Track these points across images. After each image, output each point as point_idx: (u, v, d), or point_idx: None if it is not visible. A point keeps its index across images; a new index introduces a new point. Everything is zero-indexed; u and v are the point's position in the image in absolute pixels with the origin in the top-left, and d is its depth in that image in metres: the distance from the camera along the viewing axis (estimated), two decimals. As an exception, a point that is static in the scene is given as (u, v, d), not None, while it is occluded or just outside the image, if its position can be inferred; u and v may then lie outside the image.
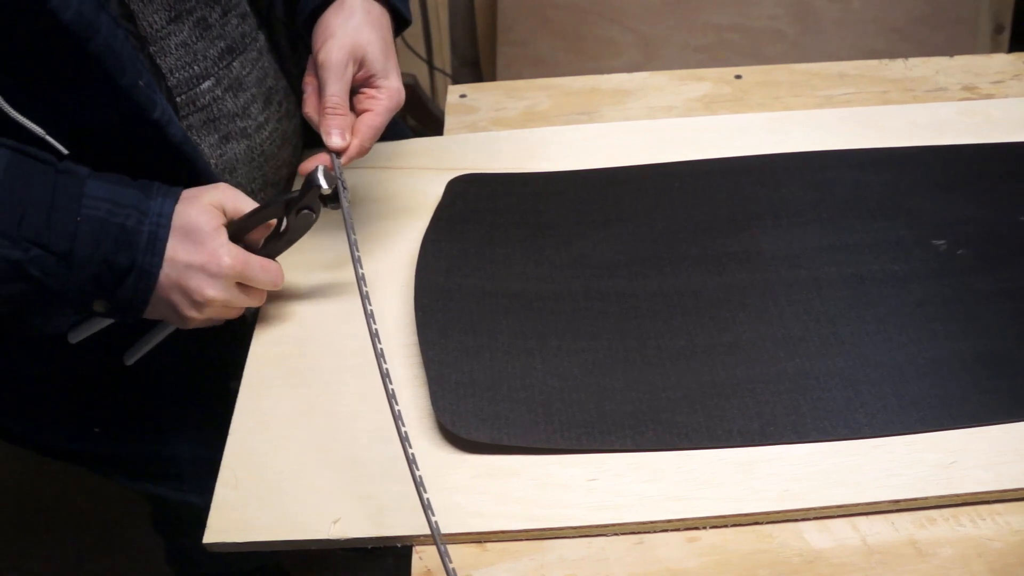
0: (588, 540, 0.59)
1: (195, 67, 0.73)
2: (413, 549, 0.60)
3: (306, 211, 0.70)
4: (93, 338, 0.75)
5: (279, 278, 0.72)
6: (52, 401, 0.85)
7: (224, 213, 0.68)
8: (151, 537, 1.15)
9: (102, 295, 0.65)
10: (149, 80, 0.65)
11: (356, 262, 0.65)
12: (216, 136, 0.75)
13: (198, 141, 0.74)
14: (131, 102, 0.64)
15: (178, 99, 0.72)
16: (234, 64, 0.76)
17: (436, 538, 0.54)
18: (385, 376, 0.60)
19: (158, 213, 0.65)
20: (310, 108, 0.73)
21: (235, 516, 0.61)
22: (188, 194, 0.67)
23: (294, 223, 0.71)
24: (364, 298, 0.63)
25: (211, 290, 0.66)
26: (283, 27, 0.85)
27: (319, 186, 0.68)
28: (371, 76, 0.73)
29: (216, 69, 0.74)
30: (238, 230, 0.69)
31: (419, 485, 0.56)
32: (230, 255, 0.67)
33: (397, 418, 0.58)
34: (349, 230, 0.66)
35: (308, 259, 0.79)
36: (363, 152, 0.72)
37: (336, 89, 0.71)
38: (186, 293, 0.66)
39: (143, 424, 0.85)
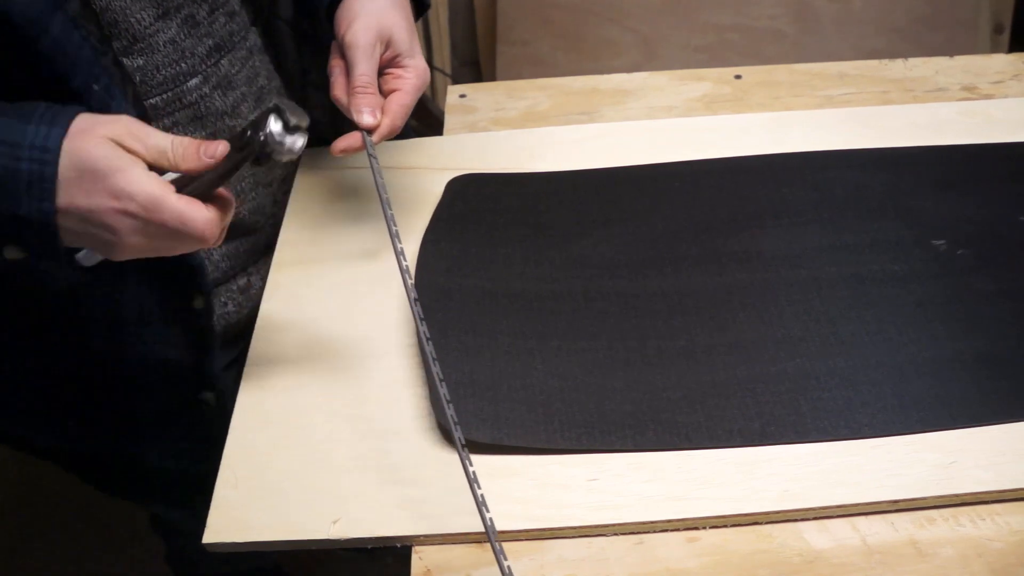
0: (588, 540, 0.59)
1: (182, 64, 0.72)
2: (413, 549, 0.59)
3: (245, 152, 0.58)
4: (64, 327, 0.74)
5: (206, 228, 0.57)
6: (27, 392, 0.83)
7: (124, 148, 0.57)
8: (150, 537, 1.15)
9: (7, 242, 0.58)
10: (107, 84, 0.63)
11: (394, 236, 0.62)
12: (203, 134, 0.75)
13: None
14: (84, 104, 0.60)
15: (164, 95, 0.72)
16: (222, 62, 0.76)
17: (491, 536, 0.54)
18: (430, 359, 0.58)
19: (41, 147, 0.54)
20: (339, 90, 0.71)
21: (235, 516, 0.61)
22: (81, 125, 0.56)
23: (234, 158, 0.58)
24: (398, 254, 0.61)
25: (130, 237, 0.56)
26: (288, 27, 0.85)
27: (269, 133, 0.57)
28: (397, 56, 0.73)
29: (204, 67, 0.74)
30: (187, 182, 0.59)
31: (472, 481, 0.55)
32: (141, 193, 0.55)
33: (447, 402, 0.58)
34: (385, 206, 0.63)
35: (308, 259, 0.79)
36: (394, 131, 0.71)
37: (365, 68, 0.70)
38: (99, 241, 0.57)
39: (110, 429, 0.84)
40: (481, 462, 0.62)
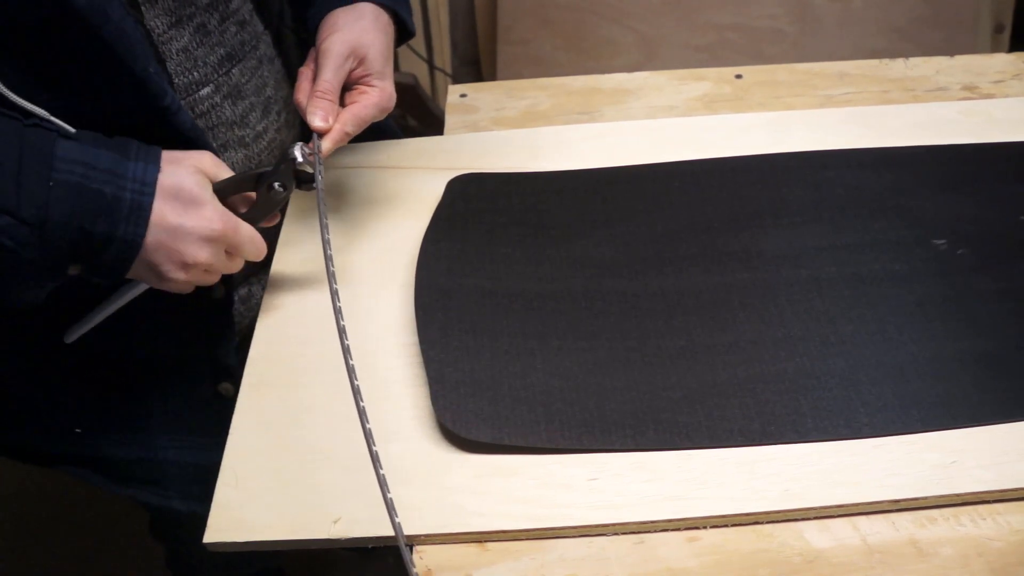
0: (589, 540, 0.59)
1: (195, 73, 0.73)
2: (413, 549, 0.59)
3: (277, 186, 0.69)
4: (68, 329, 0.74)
5: (263, 249, 0.70)
6: (31, 399, 0.84)
7: (208, 177, 0.67)
8: (151, 538, 1.15)
9: (80, 261, 0.63)
10: (158, 69, 0.65)
11: (326, 243, 0.66)
12: (214, 145, 0.75)
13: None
14: (143, 88, 0.64)
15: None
16: (233, 71, 0.76)
17: (400, 538, 0.54)
18: (351, 373, 0.60)
19: (140, 180, 0.62)
20: (301, 94, 0.73)
21: (235, 516, 0.61)
22: (171, 156, 0.65)
23: (264, 198, 0.70)
24: (332, 279, 0.65)
25: (201, 253, 0.65)
26: (293, 35, 0.85)
27: (294, 159, 0.68)
28: (367, 75, 0.74)
29: (216, 76, 0.74)
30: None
31: (383, 484, 0.55)
32: (222, 219, 0.65)
33: (362, 414, 0.58)
34: (322, 216, 0.67)
35: (308, 257, 0.79)
36: (345, 138, 0.72)
37: (329, 76, 0.72)
38: (172, 255, 0.64)
39: (125, 426, 0.84)
40: (481, 462, 0.63)
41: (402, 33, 0.80)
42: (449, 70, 1.95)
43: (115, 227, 0.61)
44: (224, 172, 0.68)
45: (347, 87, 0.74)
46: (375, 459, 0.56)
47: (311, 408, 0.67)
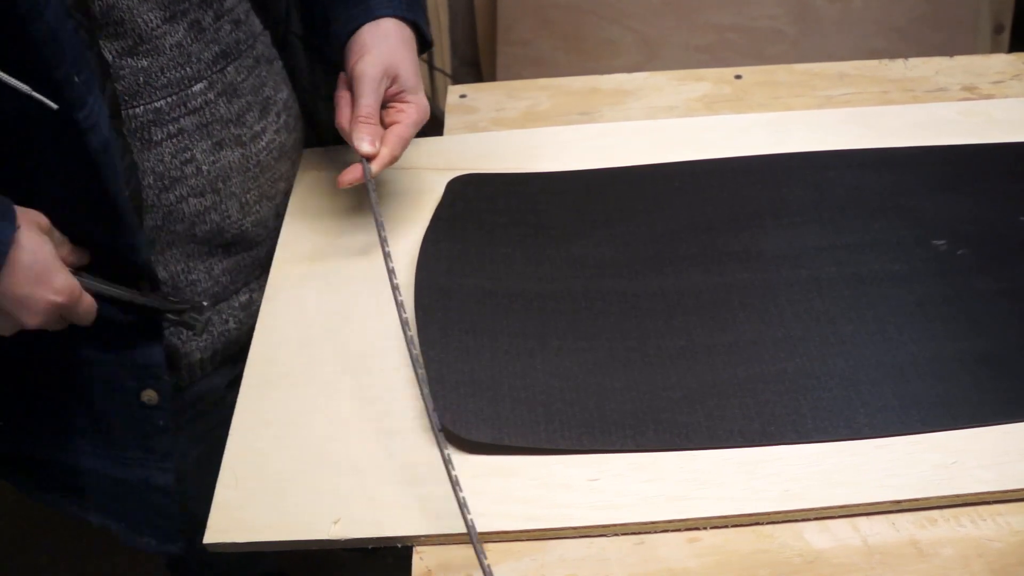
0: (589, 540, 0.59)
1: (188, 68, 0.72)
2: (413, 549, 0.59)
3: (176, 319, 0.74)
4: None
5: (93, 317, 0.69)
6: None
7: (51, 240, 0.66)
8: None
9: None
10: (88, 77, 0.63)
11: (386, 256, 0.68)
12: (210, 142, 0.75)
13: (190, 146, 0.74)
14: (59, 95, 0.60)
15: (168, 99, 0.72)
16: (228, 69, 0.76)
17: (473, 537, 0.55)
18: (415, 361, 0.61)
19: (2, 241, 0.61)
20: (343, 119, 0.75)
21: (235, 516, 0.61)
22: (24, 230, 0.63)
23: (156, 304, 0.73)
24: (394, 289, 0.66)
25: (36, 319, 0.64)
26: (301, 43, 0.85)
27: (198, 306, 0.75)
28: (402, 92, 0.77)
29: (209, 72, 0.74)
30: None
31: (455, 484, 0.56)
32: (69, 291, 0.65)
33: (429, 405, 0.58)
34: (380, 229, 0.70)
35: (309, 259, 0.79)
36: (393, 160, 0.75)
37: (370, 100, 0.74)
38: (7, 319, 0.64)
39: (47, 426, 0.81)
40: (481, 462, 0.62)
41: (421, 43, 0.82)
42: (449, 71, 1.95)
43: None
44: (57, 234, 0.67)
45: (384, 105, 0.76)
46: (447, 462, 0.57)
47: (311, 408, 0.67)
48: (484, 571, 0.53)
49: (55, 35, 0.60)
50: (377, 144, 0.74)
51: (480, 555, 0.54)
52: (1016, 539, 0.58)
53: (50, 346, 0.72)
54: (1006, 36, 1.80)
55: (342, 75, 0.78)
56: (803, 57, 1.72)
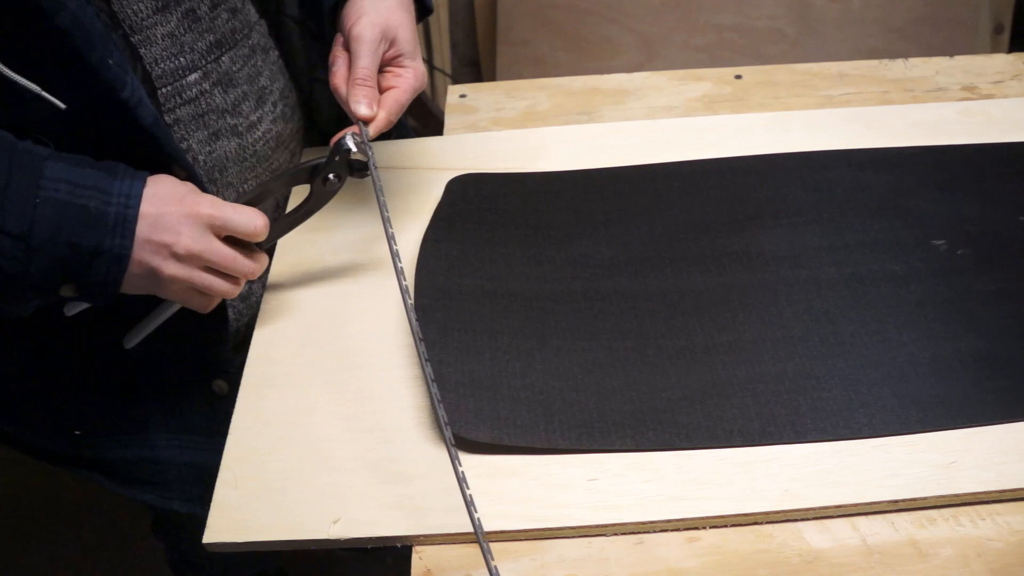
0: (588, 540, 0.59)
1: (181, 58, 0.72)
2: (413, 549, 0.59)
3: (332, 177, 0.71)
4: (70, 334, 0.74)
5: (258, 224, 0.68)
6: (30, 400, 0.83)
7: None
8: (151, 538, 1.15)
9: (70, 279, 0.63)
10: (121, 59, 0.64)
11: (387, 222, 0.66)
12: (205, 132, 0.75)
13: (186, 136, 0.74)
14: (98, 80, 0.62)
15: (163, 90, 0.72)
16: (223, 59, 0.75)
17: (479, 535, 0.54)
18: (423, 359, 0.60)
19: (125, 195, 0.63)
20: (339, 79, 0.73)
21: (235, 516, 0.61)
22: (157, 176, 0.66)
23: (319, 190, 0.71)
24: (395, 256, 0.64)
25: (186, 235, 0.64)
26: (296, 25, 0.84)
27: (348, 150, 0.69)
28: (399, 56, 0.74)
29: (204, 62, 0.74)
30: (257, 196, 0.70)
31: (462, 481, 0.56)
32: (210, 203, 0.65)
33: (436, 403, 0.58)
34: (379, 194, 0.68)
35: (308, 258, 0.80)
36: (389, 124, 0.73)
37: (367, 62, 0.72)
38: (159, 249, 0.64)
39: (124, 427, 0.84)
40: (481, 462, 0.62)
41: (420, 10, 0.80)
42: (449, 70, 1.95)
43: (101, 240, 0.62)
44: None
45: (380, 69, 0.74)
46: (454, 459, 0.56)
47: (311, 408, 0.67)
48: (491, 572, 0.53)
49: (80, 22, 0.61)
50: (374, 107, 0.72)
51: (487, 555, 0.53)
52: (1015, 539, 0.58)
53: (122, 348, 0.75)
54: (1006, 36, 1.80)
55: (338, 36, 0.75)
56: (803, 57, 1.73)
